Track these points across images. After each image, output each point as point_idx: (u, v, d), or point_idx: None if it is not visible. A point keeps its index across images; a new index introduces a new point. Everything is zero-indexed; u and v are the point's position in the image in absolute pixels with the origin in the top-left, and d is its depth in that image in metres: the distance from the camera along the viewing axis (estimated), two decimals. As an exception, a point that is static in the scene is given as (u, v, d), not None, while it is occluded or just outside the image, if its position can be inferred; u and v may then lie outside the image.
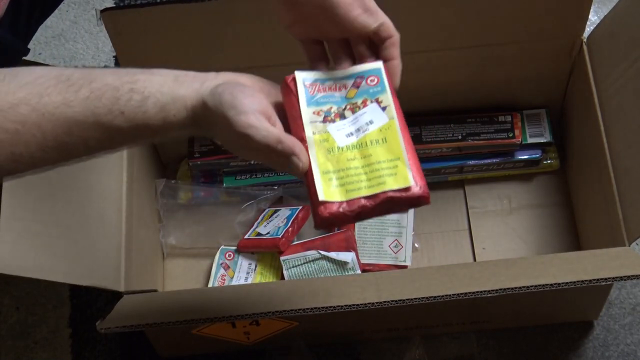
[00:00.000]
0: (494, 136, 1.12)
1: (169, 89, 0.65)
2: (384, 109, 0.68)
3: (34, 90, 0.61)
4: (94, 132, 0.63)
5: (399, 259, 1.11)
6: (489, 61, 1.06)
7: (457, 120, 1.12)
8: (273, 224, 1.11)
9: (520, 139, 1.12)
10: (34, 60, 0.99)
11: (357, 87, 0.69)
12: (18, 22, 0.85)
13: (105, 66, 0.60)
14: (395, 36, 0.70)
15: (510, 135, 1.12)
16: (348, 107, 0.68)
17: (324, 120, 0.68)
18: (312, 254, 1.07)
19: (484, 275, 0.89)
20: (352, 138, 0.67)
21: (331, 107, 0.68)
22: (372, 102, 0.68)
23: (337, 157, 0.66)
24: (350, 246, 1.07)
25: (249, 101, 0.64)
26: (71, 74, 0.63)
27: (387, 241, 1.11)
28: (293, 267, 1.07)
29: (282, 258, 1.08)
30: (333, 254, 1.06)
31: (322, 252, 1.06)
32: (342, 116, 0.68)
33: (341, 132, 0.67)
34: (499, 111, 1.13)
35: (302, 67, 0.72)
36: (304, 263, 1.07)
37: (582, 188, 1.11)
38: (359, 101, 0.68)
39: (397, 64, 0.71)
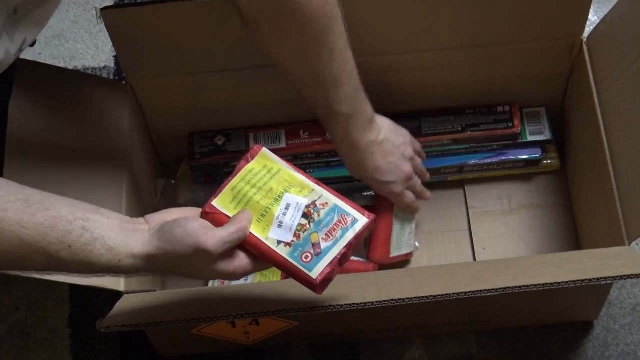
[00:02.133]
0: (493, 127, 1.12)
1: (117, 234, 0.71)
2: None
3: None
4: (36, 257, 0.67)
5: (414, 243, 1.13)
6: (489, 61, 1.06)
7: (456, 112, 1.12)
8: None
9: (519, 129, 1.12)
10: (34, 60, 0.99)
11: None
12: None
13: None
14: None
15: (510, 125, 1.12)
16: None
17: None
18: None
19: (484, 275, 0.89)
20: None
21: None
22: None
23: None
24: (366, 267, 1.07)
25: (197, 224, 0.73)
26: (30, 196, 0.67)
27: (408, 230, 1.11)
28: None
29: None
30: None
31: None
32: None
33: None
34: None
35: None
36: None
37: (582, 188, 1.11)
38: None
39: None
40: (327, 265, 0.75)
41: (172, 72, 1.05)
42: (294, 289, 0.92)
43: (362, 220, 0.77)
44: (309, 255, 0.75)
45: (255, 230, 0.76)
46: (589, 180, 1.06)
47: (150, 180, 1.14)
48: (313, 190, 0.78)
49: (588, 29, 1.04)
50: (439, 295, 0.85)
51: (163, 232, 0.73)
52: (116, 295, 0.96)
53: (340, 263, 0.76)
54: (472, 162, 1.14)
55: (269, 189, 0.78)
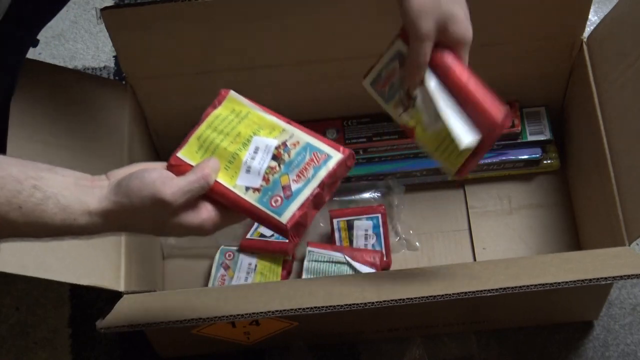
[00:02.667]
0: None
1: (71, 192, 0.66)
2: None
3: None
4: None
5: None
6: (489, 61, 1.06)
7: (456, 111, 1.12)
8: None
9: (519, 128, 1.12)
10: (35, 60, 0.99)
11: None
12: (24, 13, 0.85)
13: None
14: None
15: (510, 124, 1.11)
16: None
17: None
18: (338, 256, 1.07)
19: (484, 275, 0.89)
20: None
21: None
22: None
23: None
24: (374, 265, 1.07)
25: (155, 175, 0.67)
26: None
27: None
28: (315, 261, 1.08)
29: (308, 249, 1.09)
30: (357, 264, 1.06)
31: (348, 259, 1.07)
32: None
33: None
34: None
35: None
36: (327, 262, 1.07)
37: (582, 188, 1.11)
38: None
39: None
40: (298, 208, 0.69)
41: (172, 72, 1.05)
42: (294, 289, 0.92)
43: (335, 156, 0.71)
44: (278, 199, 0.70)
45: (222, 179, 0.71)
46: (589, 180, 1.06)
47: (150, 180, 1.14)
48: (284, 130, 0.73)
49: (588, 29, 1.04)
50: (439, 296, 0.85)
51: (120, 185, 0.68)
52: (116, 295, 0.96)
53: (315, 205, 0.70)
54: (472, 162, 1.14)
55: (237, 133, 0.73)
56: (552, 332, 1.09)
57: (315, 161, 0.71)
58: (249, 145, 0.72)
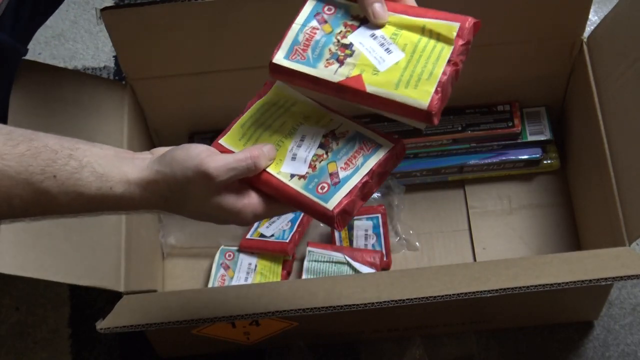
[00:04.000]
0: (493, 126, 1.12)
1: (109, 161, 0.65)
2: None
3: None
4: (20, 191, 0.62)
5: None
6: (490, 61, 1.06)
7: (456, 111, 1.12)
8: (276, 226, 1.11)
9: (519, 128, 1.12)
10: (34, 60, 0.99)
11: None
12: (18, 23, 0.85)
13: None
14: None
15: (510, 124, 1.12)
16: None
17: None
18: (338, 256, 1.07)
19: (484, 275, 0.89)
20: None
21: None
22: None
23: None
24: (374, 265, 1.07)
25: (202, 148, 0.65)
26: (13, 130, 0.62)
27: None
28: (315, 261, 1.08)
29: (308, 249, 1.09)
30: (357, 265, 1.06)
31: (348, 259, 1.07)
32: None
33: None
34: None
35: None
36: (327, 262, 1.07)
37: (582, 188, 1.11)
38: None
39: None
40: (346, 195, 0.66)
41: (172, 72, 1.05)
42: (294, 289, 0.92)
43: (386, 145, 0.68)
44: (325, 185, 0.67)
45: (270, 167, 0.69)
46: (589, 180, 1.06)
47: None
48: (332, 119, 0.70)
49: (588, 29, 1.04)
50: (439, 296, 0.85)
51: (164, 156, 0.66)
52: (116, 295, 0.96)
53: (362, 194, 0.67)
54: (472, 162, 1.14)
55: (282, 122, 0.70)
56: (552, 332, 1.09)
57: (365, 149, 0.68)
58: (295, 133, 0.70)
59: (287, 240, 1.09)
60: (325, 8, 0.72)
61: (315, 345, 1.08)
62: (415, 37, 0.70)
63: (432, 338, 1.08)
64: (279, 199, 0.69)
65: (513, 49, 1.05)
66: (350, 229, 1.11)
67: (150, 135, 1.14)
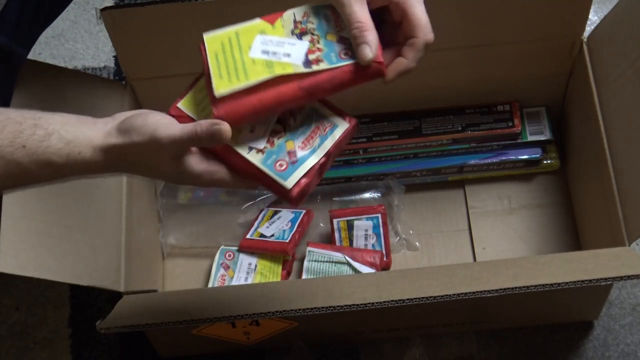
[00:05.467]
0: (493, 126, 1.12)
1: (73, 127, 0.66)
2: None
3: None
4: None
5: None
6: (490, 61, 1.06)
7: (456, 111, 1.12)
8: (277, 227, 1.11)
9: (519, 128, 1.12)
10: (34, 60, 0.99)
11: None
12: (21, 26, 0.85)
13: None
14: (419, 39, 0.70)
15: (510, 124, 1.12)
16: None
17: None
18: (338, 256, 1.07)
19: (484, 275, 0.89)
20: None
21: None
22: None
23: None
24: (374, 265, 1.07)
25: (159, 116, 0.68)
26: None
27: None
28: (315, 261, 1.08)
29: (308, 249, 1.09)
30: (357, 265, 1.06)
31: (348, 259, 1.07)
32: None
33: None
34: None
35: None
36: (327, 262, 1.07)
37: (582, 188, 1.11)
38: None
39: (403, 63, 0.70)
40: (304, 176, 0.68)
41: (172, 72, 1.05)
42: (294, 289, 0.92)
43: (342, 125, 0.71)
44: (283, 163, 0.69)
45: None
46: (589, 180, 1.06)
47: (150, 180, 1.14)
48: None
49: (588, 29, 1.04)
50: (439, 296, 0.85)
51: (124, 122, 0.68)
52: (116, 295, 0.96)
53: (319, 174, 0.70)
54: (472, 162, 1.14)
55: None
56: (552, 332, 1.09)
57: (322, 130, 0.70)
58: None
59: (287, 240, 1.09)
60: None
61: (315, 345, 1.08)
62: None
63: (432, 338, 1.08)
64: (238, 171, 0.70)
65: (513, 49, 1.05)
66: (350, 229, 1.11)
67: (150, 135, 1.14)
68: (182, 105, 0.72)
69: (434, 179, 1.16)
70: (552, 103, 1.15)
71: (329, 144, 0.70)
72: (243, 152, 0.69)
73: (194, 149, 0.68)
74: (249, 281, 1.10)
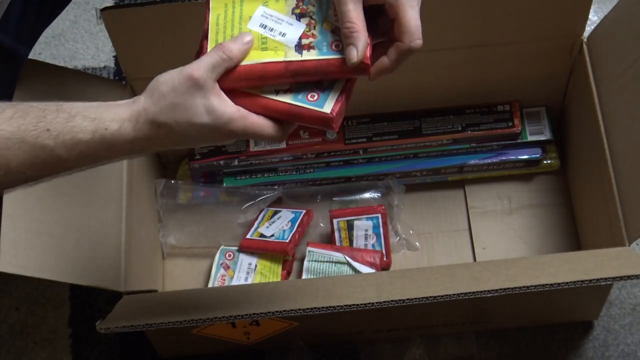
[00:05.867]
0: (493, 126, 1.12)
1: (97, 108, 0.66)
2: None
3: None
4: (17, 151, 0.62)
5: None
6: (490, 61, 1.06)
7: (456, 111, 1.12)
8: (277, 227, 1.11)
9: (519, 128, 1.12)
10: (34, 60, 0.99)
11: None
12: (23, 25, 0.85)
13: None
14: (404, 44, 0.68)
15: (510, 124, 1.12)
16: None
17: None
18: (338, 256, 1.07)
19: (484, 275, 0.89)
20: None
21: None
22: None
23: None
24: (374, 265, 1.07)
25: (179, 69, 0.66)
26: None
27: None
28: (315, 261, 1.08)
29: (308, 249, 1.09)
30: (357, 265, 1.06)
31: (348, 259, 1.07)
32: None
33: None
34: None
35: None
36: (327, 262, 1.07)
37: (582, 188, 1.11)
38: None
39: (384, 63, 0.69)
40: (337, 101, 0.69)
41: (172, 72, 1.05)
42: (294, 289, 0.93)
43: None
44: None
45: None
46: (589, 180, 1.06)
47: (150, 180, 1.14)
48: None
49: (588, 29, 1.04)
50: (439, 296, 0.85)
51: (148, 86, 0.67)
52: (116, 295, 0.96)
53: (348, 91, 0.70)
54: (472, 162, 1.14)
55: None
56: (552, 332, 1.09)
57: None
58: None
59: (287, 240, 1.09)
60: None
61: (315, 345, 1.08)
62: None
63: (432, 338, 1.08)
64: (270, 114, 0.68)
65: (513, 49, 1.05)
66: (351, 228, 1.11)
67: (150, 135, 1.14)
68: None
69: (434, 179, 1.16)
70: (552, 103, 1.15)
71: None
72: (272, 96, 0.68)
73: (222, 94, 0.66)
74: (249, 281, 1.10)
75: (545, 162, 1.15)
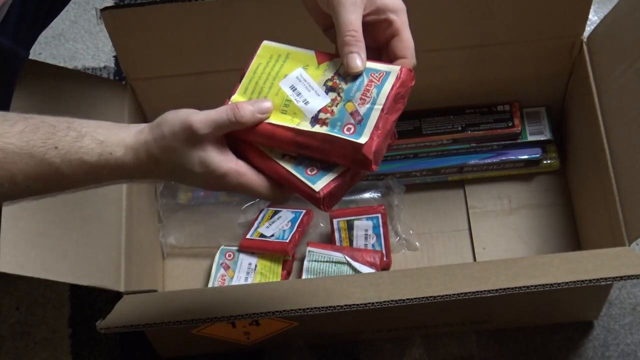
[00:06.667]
0: (493, 126, 1.12)
1: (107, 129, 0.67)
2: None
3: None
4: (23, 166, 0.63)
5: None
6: (490, 61, 1.06)
7: (456, 111, 1.12)
8: (277, 226, 1.11)
9: (519, 128, 1.12)
10: (34, 60, 0.99)
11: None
12: (21, 26, 0.85)
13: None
14: (408, 60, 0.70)
15: (510, 124, 1.12)
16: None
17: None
18: (338, 256, 1.07)
19: (484, 275, 0.89)
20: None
21: None
22: None
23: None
24: (374, 265, 1.07)
25: (191, 110, 0.67)
26: (7, 113, 0.65)
27: None
28: (315, 261, 1.08)
29: (308, 249, 1.09)
30: (357, 265, 1.06)
31: (348, 259, 1.07)
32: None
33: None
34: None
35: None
36: (327, 262, 1.07)
37: (582, 188, 1.11)
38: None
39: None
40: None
41: (172, 72, 1.05)
42: (294, 289, 0.92)
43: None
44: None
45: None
46: (589, 180, 1.06)
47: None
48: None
49: (588, 29, 1.04)
50: (439, 296, 0.85)
51: (156, 120, 0.68)
52: (116, 295, 0.96)
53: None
54: (472, 162, 1.14)
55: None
56: (552, 332, 1.09)
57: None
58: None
59: (287, 240, 1.09)
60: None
61: (315, 345, 1.08)
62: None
63: (432, 338, 1.08)
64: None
65: (513, 49, 1.05)
66: (351, 228, 1.11)
67: (150, 135, 1.14)
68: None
69: (434, 179, 1.16)
70: (552, 103, 1.15)
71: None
72: (277, 158, 0.68)
73: (222, 147, 0.67)
74: (249, 281, 1.10)
75: (545, 162, 1.15)
